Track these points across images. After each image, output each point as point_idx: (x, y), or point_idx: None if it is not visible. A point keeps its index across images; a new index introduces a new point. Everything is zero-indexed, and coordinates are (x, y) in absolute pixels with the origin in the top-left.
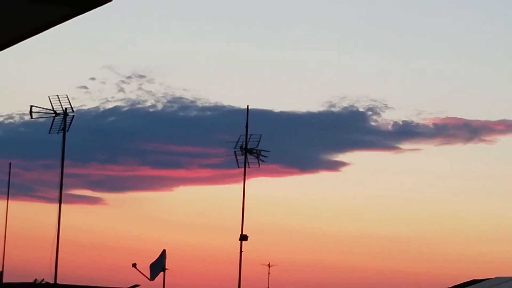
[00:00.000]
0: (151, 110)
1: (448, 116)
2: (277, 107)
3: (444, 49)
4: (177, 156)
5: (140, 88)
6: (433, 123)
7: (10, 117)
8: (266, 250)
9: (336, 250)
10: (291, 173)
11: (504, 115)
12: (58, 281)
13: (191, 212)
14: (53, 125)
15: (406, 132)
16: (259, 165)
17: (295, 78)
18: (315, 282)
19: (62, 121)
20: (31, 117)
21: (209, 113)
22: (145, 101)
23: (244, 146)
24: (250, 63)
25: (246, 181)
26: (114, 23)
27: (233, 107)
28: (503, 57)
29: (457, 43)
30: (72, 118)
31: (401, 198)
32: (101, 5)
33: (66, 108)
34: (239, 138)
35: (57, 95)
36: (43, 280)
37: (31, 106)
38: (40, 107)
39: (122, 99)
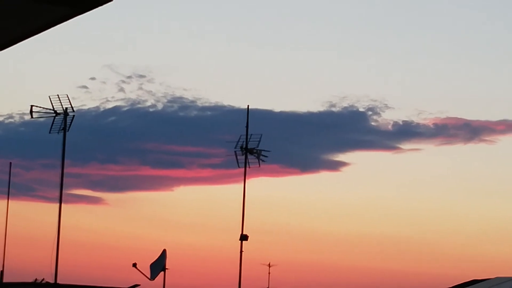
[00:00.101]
0: (151, 110)
1: (449, 116)
2: (277, 107)
3: (444, 49)
4: (177, 156)
5: (140, 88)
6: (433, 123)
7: (10, 116)
8: (266, 250)
9: (336, 250)
10: (291, 173)
11: (504, 115)
12: (58, 281)
13: (191, 212)
14: (54, 124)
15: (407, 132)
16: (259, 165)
17: (295, 78)
18: (315, 282)
19: (63, 120)
20: (32, 117)
21: (209, 113)
22: (145, 101)
23: (244, 146)
24: (250, 63)
25: (247, 181)
26: (114, 23)
27: (233, 107)
28: (503, 57)
29: (457, 43)
30: (73, 118)
31: (401, 198)
32: (101, 4)
33: (66, 108)
34: (239, 138)
35: (58, 95)
36: (43, 279)
37: (32, 106)
38: (40, 107)
39: (122, 99)
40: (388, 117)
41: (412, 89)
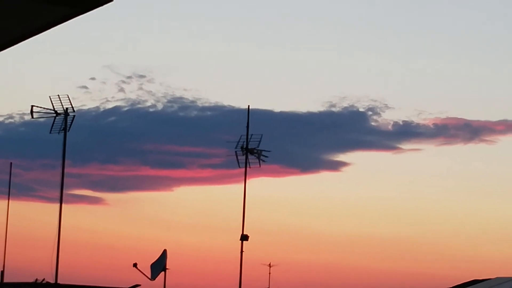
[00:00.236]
0: (151, 110)
1: (449, 116)
2: (277, 107)
3: (444, 49)
4: (178, 156)
5: (140, 88)
6: (433, 123)
7: (10, 116)
8: (266, 250)
9: (336, 250)
10: (292, 173)
11: (504, 115)
12: (59, 281)
13: (191, 212)
14: (54, 125)
15: (407, 132)
16: (260, 165)
17: (295, 78)
18: (315, 282)
19: (63, 121)
20: (32, 117)
21: (209, 113)
22: (145, 101)
23: (245, 146)
24: (250, 63)
25: (247, 181)
26: (114, 23)
27: (233, 107)
28: (503, 57)
29: (457, 43)
30: (73, 118)
31: (401, 198)
32: (101, 5)
33: (67, 108)
34: (240, 138)
35: (58, 95)
36: (43, 280)
37: (32, 106)
38: (41, 107)
39: (122, 99)
40: (388, 117)
41: (412, 89)
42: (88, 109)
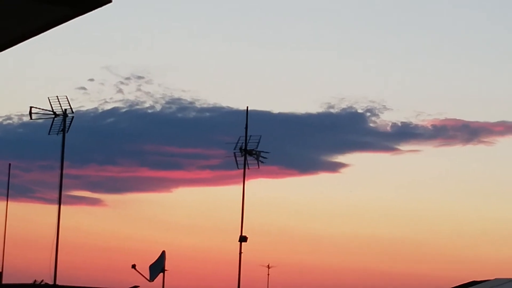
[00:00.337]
0: (149, 111)
1: (447, 118)
2: (275, 108)
3: (443, 50)
4: (176, 157)
5: (138, 89)
6: (432, 124)
7: (9, 118)
8: (265, 251)
9: (335, 251)
10: (290, 174)
11: (503, 117)
12: (57, 282)
13: (190, 213)
14: (53, 126)
15: (405, 133)
16: (258, 166)
17: (293, 79)
18: (314, 283)
19: (62, 122)
20: (31, 118)
21: (207, 114)
22: (144, 102)
23: (243, 147)
24: (249, 64)
25: (246, 182)
26: (112, 24)
27: (231, 108)
28: (502, 58)
29: (456, 44)
30: (72, 119)
31: (400, 199)
32: (101, 6)
33: (65, 109)
34: (238, 139)
35: (57, 96)
36: (42, 281)
37: (31, 107)
38: (39, 108)
39: (120, 100)
40: (387, 119)
41: (411, 91)
42: (87, 110)
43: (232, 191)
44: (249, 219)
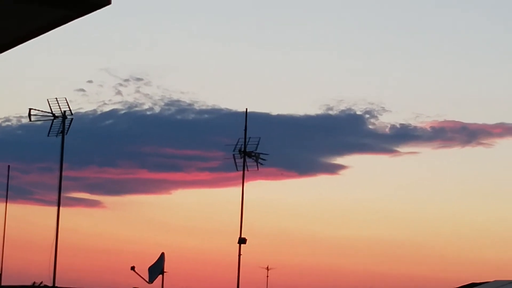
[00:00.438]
0: (148, 113)
1: (446, 119)
2: (274, 110)
3: (442, 51)
4: (175, 159)
5: (137, 91)
6: (430, 126)
7: (7, 119)
8: (264, 253)
9: (334, 253)
10: (289, 176)
11: (501, 118)
12: (56, 284)
13: (189, 215)
14: (52, 128)
15: (404, 135)
16: (257, 168)
17: (292, 80)
18: (313, 285)
19: (61, 124)
20: (30, 120)
21: (206, 116)
22: (143, 104)
23: (242, 149)
24: (247, 66)
25: (245, 184)
26: (111, 26)
27: (230, 110)
28: (501, 60)
29: (456, 45)
30: (71, 121)
31: (399, 201)
32: (100, 7)
33: (65, 111)
34: (237, 141)
35: (56, 98)
36: (41, 283)
37: (30, 109)
38: (39, 110)
39: (119, 102)
40: (386, 120)
41: (409, 92)
42: (85, 112)
43: (231, 193)
44: (248, 221)
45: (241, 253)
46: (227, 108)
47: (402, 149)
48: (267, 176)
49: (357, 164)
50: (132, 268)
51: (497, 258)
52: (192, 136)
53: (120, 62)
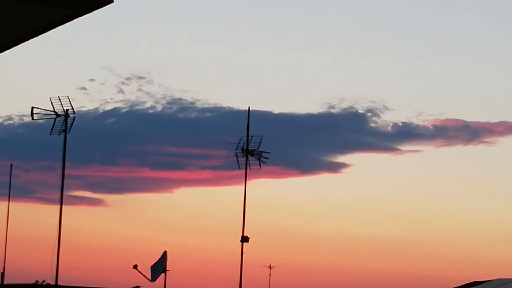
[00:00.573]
0: (150, 111)
1: (448, 118)
2: (276, 109)
3: (443, 50)
4: (177, 157)
5: (139, 89)
6: (432, 125)
7: (10, 118)
8: (267, 252)
9: (337, 251)
10: (291, 175)
11: (504, 117)
12: (59, 283)
13: (192, 213)
14: (54, 126)
15: (406, 133)
16: (260, 166)
17: (294, 79)
18: (316, 283)
19: (63, 122)
20: (32, 119)
21: (208, 114)
22: (145, 102)
23: (245, 148)
24: (249, 65)
25: (247, 182)
26: (113, 24)
27: (232, 108)
28: (503, 59)
29: (457, 44)
30: (73, 119)
31: (401, 199)
32: (101, 6)
33: (67, 110)
34: (240, 140)
35: (58, 97)
36: (44, 281)
37: (32, 108)
38: (41, 108)
39: (121, 101)
40: (388, 119)
41: (411, 91)
42: (87, 110)
43: (233, 191)
44: (251, 220)
45: (244, 251)
46: (229, 107)
47: (404, 147)
48: (269, 175)
49: (359, 163)
50: (135, 266)
51: (499, 256)
52: (194, 135)
53: (122, 61)
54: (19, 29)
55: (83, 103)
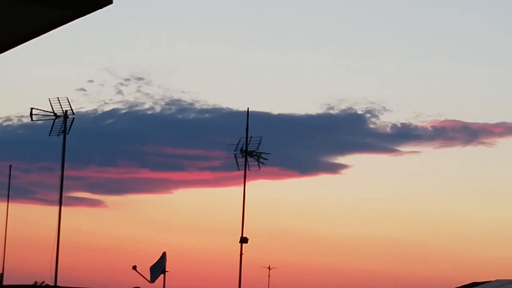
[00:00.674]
0: (149, 112)
1: (447, 119)
2: (275, 110)
3: (443, 51)
4: (176, 158)
5: (138, 91)
6: (431, 126)
7: (8, 119)
8: (266, 253)
9: (336, 252)
10: (290, 176)
11: (502, 118)
12: (58, 284)
13: (191, 214)
14: (53, 127)
15: (405, 134)
16: (259, 167)
17: (293, 80)
18: (315, 284)
19: (63, 123)
20: (32, 120)
21: (207, 115)
22: (144, 103)
23: (244, 149)
24: (248, 65)
25: (246, 183)
26: (112, 25)
27: (231, 109)
28: (502, 59)
29: (456, 45)
30: (73, 120)
31: (400, 200)
32: (101, 7)
33: (66, 111)
34: (239, 141)
35: (58, 98)
36: (43, 282)
37: (32, 109)
38: (40, 110)
39: (120, 102)
40: (387, 120)
41: (410, 92)
42: (86, 111)
43: (232, 192)
44: (250, 220)
45: (243, 252)
46: (228, 108)
47: (403, 148)
48: (268, 176)
49: (358, 164)
50: (134, 267)
51: (499, 257)
52: (193, 136)
53: (121, 62)
54: (19, 29)
55: (82, 104)
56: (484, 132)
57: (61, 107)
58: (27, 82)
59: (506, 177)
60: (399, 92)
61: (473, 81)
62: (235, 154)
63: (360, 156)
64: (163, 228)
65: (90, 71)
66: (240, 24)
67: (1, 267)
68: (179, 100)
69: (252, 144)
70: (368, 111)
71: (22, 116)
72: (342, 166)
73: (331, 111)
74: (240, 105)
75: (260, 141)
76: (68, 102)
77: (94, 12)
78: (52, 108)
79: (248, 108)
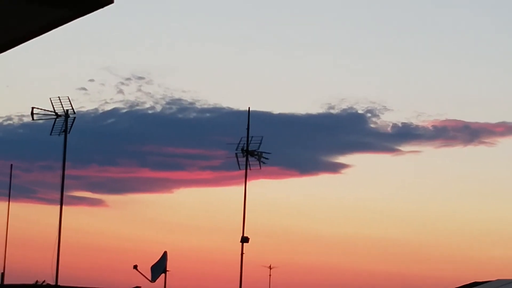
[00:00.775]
0: (150, 111)
1: (448, 118)
2: (276, 109)
3: (443, 50)
4: (177, 158)
5: (139, 90)
6: (432, 125)
7: (9, 118)
8: (267, 252)
9: (337, 252)
10: (291, 175)
11: (503, 117)
12: (59, 283)
13: (192, 214)
14: (54, 126)
15: (406, 134)
16: (260, 167)
17: (293, 79)
18: (316, 284)
19: (64, 122)
20: (33, 119)
21: (208, 114)
22: (144, 102)
23: (245, 148)
24: (249, 65)
25: (247, 183)
26: (113, 24)
27: (232, 108)
28: (502, 59)
29: (456, 44)
30: (74, 119)
31: (401, 200)
32: (102, 7)
33: (67, 110)
34: (240, 140)
35: (59, 97)
36: (44, 281)
37: (33, 108)
38: (41, 109)
39: (121, 101)
40: (387, 119)
41: (411, 91)
42: (87, 111)
43: (233, 191)
44: (251, 220)
45: (244, 252)
46: (228, 107)
47: (404, 148)
48: (269, 175)
49: (359, 163)
50: (135, 266)
51: (500, 257)
52: (193, 135)
53: (122, 61)
54: (19, 29)
55: (83, 104)
56: (485, 132)
57: (62, 107)
58: (28, 81)
59: (506, 177)
60: (399, 91)
61: (474, 81)
62: (236, 154)
63: (361, 156)
64: (164, 228)
65: (91, 71)
66: (240, 24)
67: (2, 267)
68: (179, 99)
69: (253, 144)
70: (368, 111)
71: (23, 116)
72: (343, 166)
73: (332, 111)
74: (240, 105)
75: (261, 140)
76: (69, 101)
77: (95, 12)
78: (53, 108)
79: (249, 108)
